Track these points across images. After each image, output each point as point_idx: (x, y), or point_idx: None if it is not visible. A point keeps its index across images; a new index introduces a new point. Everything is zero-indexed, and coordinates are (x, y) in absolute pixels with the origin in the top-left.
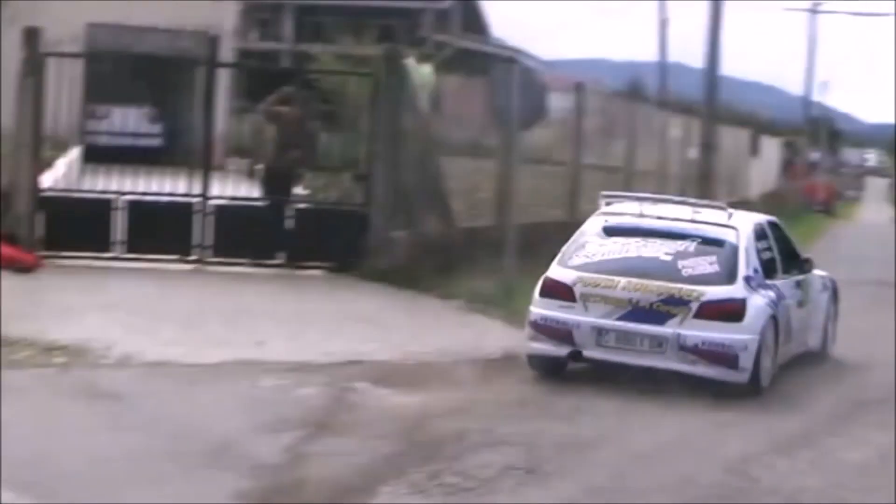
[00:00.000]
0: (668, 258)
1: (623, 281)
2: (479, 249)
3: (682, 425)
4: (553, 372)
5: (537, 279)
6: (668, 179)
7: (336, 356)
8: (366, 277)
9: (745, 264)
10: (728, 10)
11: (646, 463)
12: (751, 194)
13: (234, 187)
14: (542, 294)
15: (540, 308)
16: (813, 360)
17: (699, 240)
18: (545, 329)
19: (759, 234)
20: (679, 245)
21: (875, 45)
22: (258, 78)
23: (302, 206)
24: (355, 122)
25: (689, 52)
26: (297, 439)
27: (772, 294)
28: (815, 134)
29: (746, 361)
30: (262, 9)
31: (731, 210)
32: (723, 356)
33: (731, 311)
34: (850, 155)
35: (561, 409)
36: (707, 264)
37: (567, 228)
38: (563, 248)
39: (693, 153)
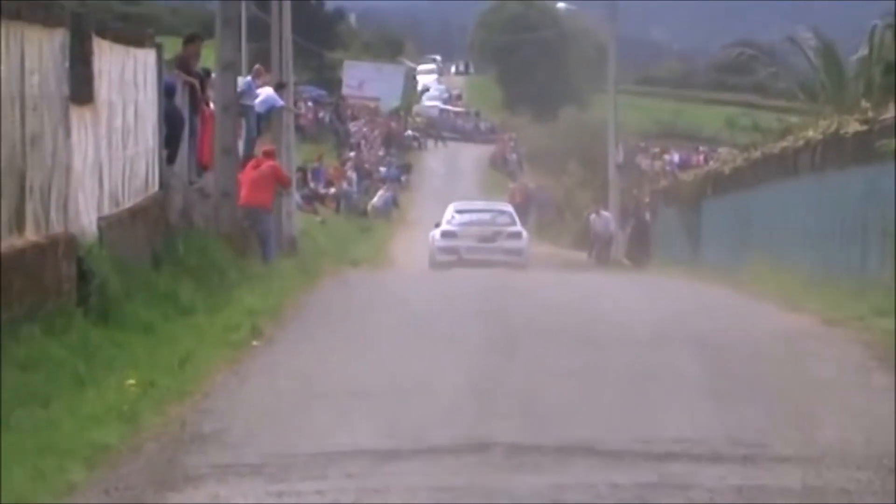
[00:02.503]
0: (490, 216)
1: (475, 228)
2: None
3: None
4: (448, 267)
5: None
6: None
7: None
8: None
9: (518, 217)
10: None
11: None
12: None
13: None
14: (442, 236)
15: (441, 243)
16: None
17: (498, 211)
18: (444, 250)
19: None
20: (492, 214)
21: None
22: None
23: None
24: None
25: None
26: None
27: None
28: None
29: (525, 255)
30: None
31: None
32: (516, 251)
33: (517, 235)
34: None
35: None
36: (507, 218)
37: None
38: (442, 221)
39: None
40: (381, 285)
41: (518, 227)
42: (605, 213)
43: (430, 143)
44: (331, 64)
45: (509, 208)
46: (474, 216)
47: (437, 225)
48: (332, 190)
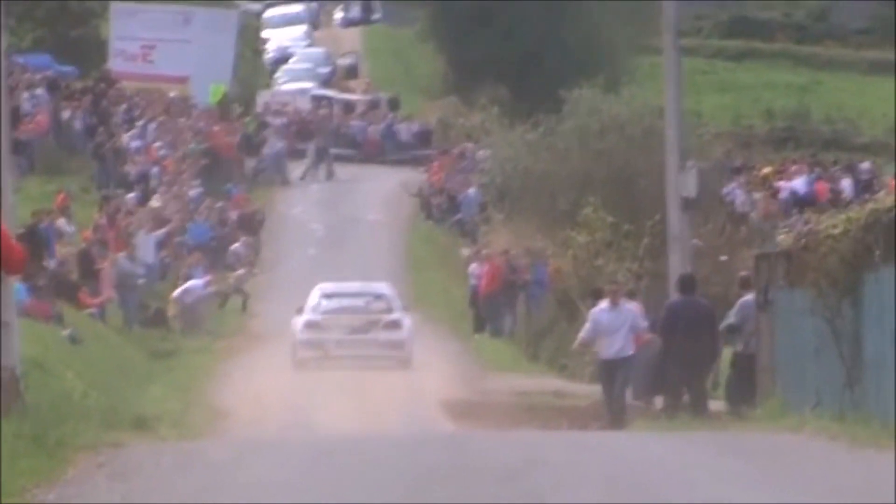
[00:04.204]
0: (363, 302)
1: (345, 317)
2: None
3: None
4: (313, 366)
5: None
6: None
7: None
8: None
9: (398, 302)
10: None
11: None
12: None
13: None
14: (305, 327)
15: (304, 335)
16: None
17: (373, 294)
18: (308, 344)
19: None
20: (366, 299)
21: None
22: None
23: None
24: None
25: None
26: None
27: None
28: None
29: (407, 349)
30: None
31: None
32: (396, 344)
33: (396, 324)
34: None
35: None
36: (384, 304)
37: None
38: (305, 306)
39: None
40: (198, 482)
41: (397, 315)
42: (627, 307)
43: (299, 168)
44: (82, 12)
45: (388, 290)
46: (345, 302)
47: (300, 311)
48: (97, 269)
